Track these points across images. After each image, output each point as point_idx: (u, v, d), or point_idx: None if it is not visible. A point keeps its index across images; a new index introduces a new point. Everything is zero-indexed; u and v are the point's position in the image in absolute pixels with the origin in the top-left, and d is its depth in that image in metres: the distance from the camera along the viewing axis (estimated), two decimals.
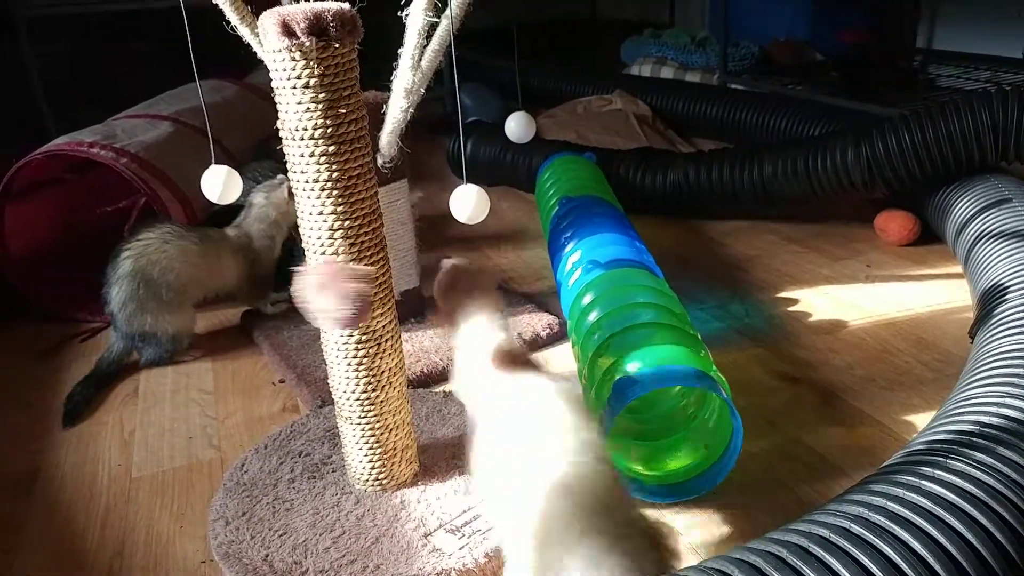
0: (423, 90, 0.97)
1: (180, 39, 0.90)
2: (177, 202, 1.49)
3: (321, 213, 0.77)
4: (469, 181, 0.87)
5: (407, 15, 0.85)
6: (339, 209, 0.77)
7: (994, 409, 0.73)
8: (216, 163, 0.97)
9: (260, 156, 1.88)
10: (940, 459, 0.67)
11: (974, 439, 0.69)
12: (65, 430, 1.15)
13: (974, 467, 0.65)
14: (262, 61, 0.76)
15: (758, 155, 1.66)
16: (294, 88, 0.73)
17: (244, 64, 0.68)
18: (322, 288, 0.70)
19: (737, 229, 1.73)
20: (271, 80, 0.74)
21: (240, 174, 1.62)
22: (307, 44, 0.70)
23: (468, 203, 0.86)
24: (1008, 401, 0.74)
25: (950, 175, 1.45)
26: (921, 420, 1.01)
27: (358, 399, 0.85)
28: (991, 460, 0.66)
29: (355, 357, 0.83)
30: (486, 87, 2.66)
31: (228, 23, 0.84)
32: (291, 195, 0.79)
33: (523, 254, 1.69)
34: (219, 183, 0.96)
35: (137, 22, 2.99)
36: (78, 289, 1.56)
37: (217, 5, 0.77)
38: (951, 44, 2.69)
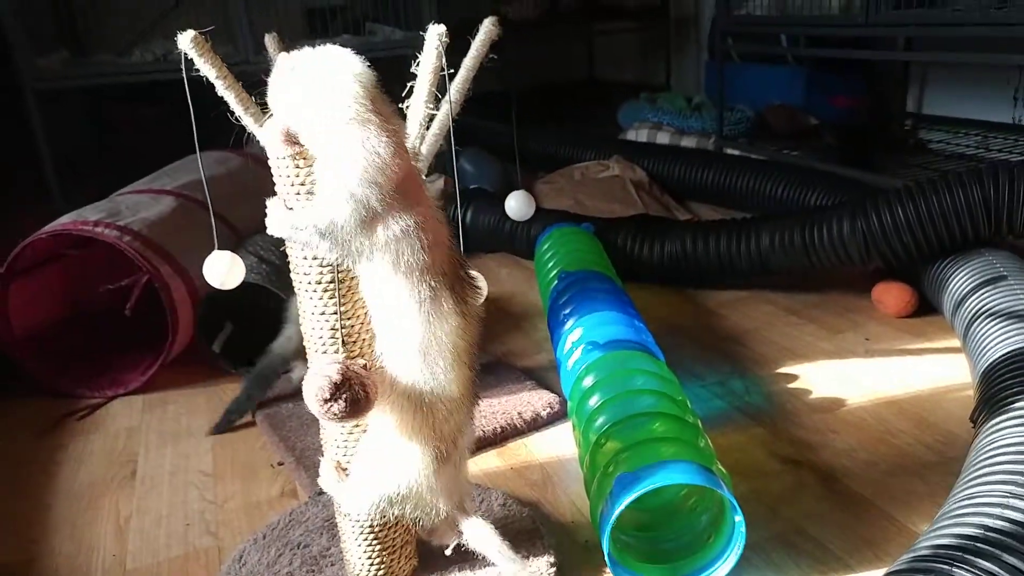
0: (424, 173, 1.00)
1: (184, 109, 0.91)
2: (179, 277, 1.50)
3: (323, 313, 0.78)
4: (466, 249, 0.87)
5: (407, 107, 0.88)
6: (342, 309, 0.77)
7: (997, 511, 0.73)
8: (219, 243, 0.97)
9: (264, 228, 1.90)
10: (946, 567, 0.66)
11: (979, 545, 0.69)
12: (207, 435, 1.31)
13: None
14: None
15: (755, 227, 1.68)
16: (297, 194, 0.74)
17: (246, 135, 0.71)
18: (320, 385, 0.71)
19: (735, 299, 1.74)
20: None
21: (243, 247, 1.65)
22: (309, 152, 0.72)
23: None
24: (1012, 502, 0.74)
25: (945, 249, 1.47)
26: (924, 507, 1.00)
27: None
28: (995, 568, 0.65)
29: (354, 450, 0.83)
30: (486, 152, 2.70)
31: (230, 110, 0.87)
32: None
33: (522, 325, 1.70)
34: (222, 269, 0.96)
35: (143, 92, 3.06)
36: (78, 365, 1.57)
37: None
38: (941, 109, 2.74)
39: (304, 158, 0.73)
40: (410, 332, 0.73)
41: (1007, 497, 0.75)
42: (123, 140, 3.45)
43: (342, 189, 0.67)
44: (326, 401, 0.70)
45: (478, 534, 0.85)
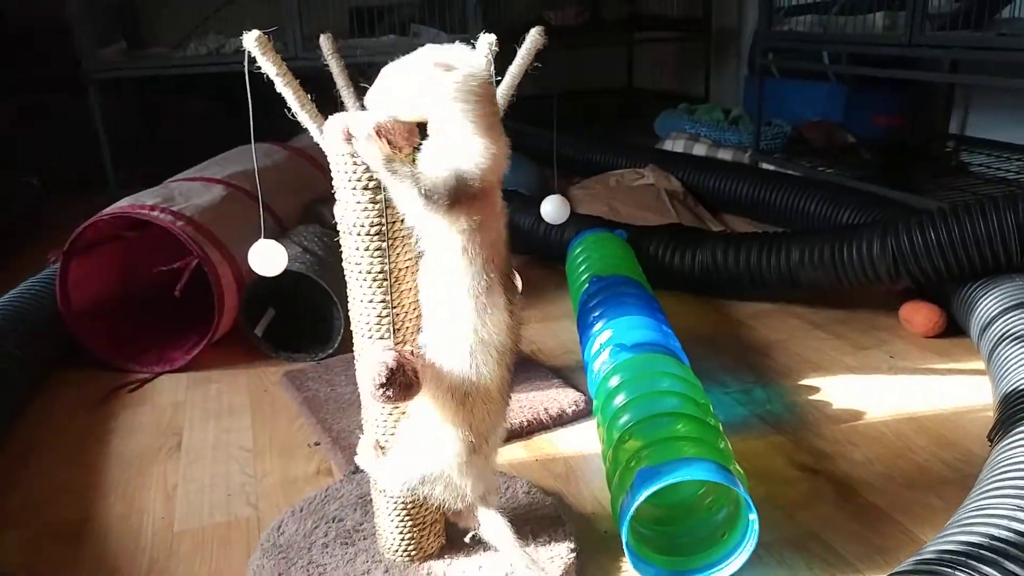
0: None
1: (230, 100, 0.97)
2: (226, 263, 1.57)
3: (371, 301, 0.83)
4: None
5: None
6: (388, 298, 0.83)
7: (1004, 522, 0.76)
8: (264, 233, 1.03)
9: (307, 219, 1.97)
10: (948, 570, 0.70)
11: (983, 552, 0.72)
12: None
13: None
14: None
15: (786, 241, 1.71)
16: (354, 189, 0.80)
17: (291, 127, 0.75)
18: (377, 371, 0.76)
19: (763, 312, 1.77)
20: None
21: (288, 236, 1.72)
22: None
23: None
24: (1019, 515, 0.77)
25: (976, 273, 1.48)
26: (939, 521, 1.03)
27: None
28: (997, 574, 0.69)
29: (393, 433, 0.88)
30: (523, 155, 2.75)
31: (287, 106, 0.93)
32: None
33: (552, 326, 1.74)
34: (267, 257, 1.02)
35: (190, 84, 3.17)
36: (130, 341, 1.65)
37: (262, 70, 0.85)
38: (984, 132, 2.73)
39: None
40: (463, 322, 0.78)
41: (1015, 510, 0.78)
42: (171, 130, 3.58)
43: (458, 166, 0.74)
44: (381, 386, 0.76)
45: (494, 527, 0.89)
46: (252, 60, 0.88)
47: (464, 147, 0.75)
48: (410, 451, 0.85)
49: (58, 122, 3.13)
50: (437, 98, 0.75)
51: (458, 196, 0.74)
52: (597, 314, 1.40)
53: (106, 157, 2.69)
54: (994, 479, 0.88)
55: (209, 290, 1.52)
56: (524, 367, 1.49)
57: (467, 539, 0.93)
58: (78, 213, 1.71)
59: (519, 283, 0.88)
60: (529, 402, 1.35)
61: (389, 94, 0.77)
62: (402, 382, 0.75)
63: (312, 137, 0.85)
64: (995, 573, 0.69)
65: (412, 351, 0.80)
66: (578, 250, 1.78)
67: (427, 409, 0.82)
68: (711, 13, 3.91)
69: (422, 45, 0.80)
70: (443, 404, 0.81)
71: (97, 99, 2.63)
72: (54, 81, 3.05)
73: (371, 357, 0.77)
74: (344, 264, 0.85)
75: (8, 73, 3.14)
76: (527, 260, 2.10)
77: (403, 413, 0.87)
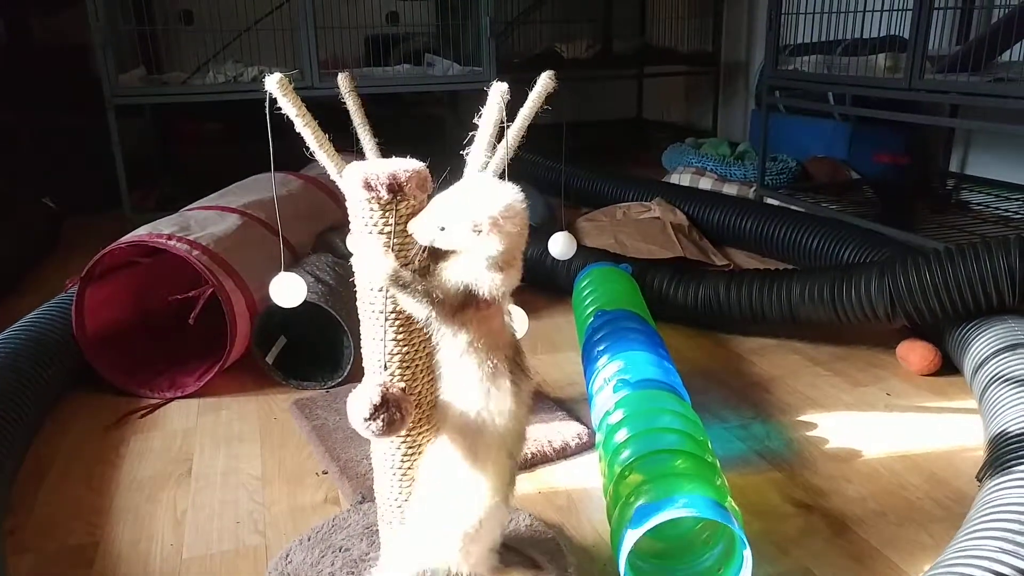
0: None
1: (243, 127, 1.02)
2: (240, 292, 1.62)
3: (381, 339, 0.87)
4: None
5: (467, 153, 0.98)
6: (399, 337, 0.87)
7: (987, 564, 0.79)
8: (281, 262, 1.06)
9: (320, 248, 2.02)
10: None
11: None
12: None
13: None
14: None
15: (787, 278, 1.74)
16: (370, 232, 0.84)
17: (302, 157, 0.80)
18: (362, 404, 0.80)
19: (764, 347, 1.80)
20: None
21: (300, 266, 1.76)
22: (385, 198, 0.82)
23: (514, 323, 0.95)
24: (1001, 557, 0.80)
25: (970, 313, 1.52)
26: (928, 559, 1.06)
27: (399, 507, 0.93)
28: None
29: (399, 468, 0.92)
30: (531, 185, 2.80)
31: (306, 147, 0.98)
32: None
33: (557, 357, 1.78)
34: (287, 289, 1.06)
35: (208, 110, 3.24)
36: (143, 366, 1.69)
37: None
38: (984, 171, 2.78)
39: (379, 202, 0.82)
40: (471, 404, 0.84)
41: (998, 552, 0.81)
42: (187, 154, 3.65)
43: (471, 284, 0.81)
44: (365, 419, 0.80)
45: None
46: (273, 101, 0.93)
47: (484, 277, 0.81)
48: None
49: (75, 144, 3.20)
50: (478, 249, 0.80)
51: (465, 307, 0.81)
52: (601, 348, 1.43)
53: (122, 179, 2.75)
54: (980, 520, 0.90)
55: (222, 317, 1.57)
56: None
57: None
58: (95, 235, 1.76)
59: (527, 367, 0.92)
60: (533, 434, 1.37)
61: (432, 227, 0.82)
62: (385, 418, 0.80)
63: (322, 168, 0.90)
64: None
65: (405, 388, 0.84)
66: (584, 283, 1.81)
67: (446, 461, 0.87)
68: (720, 48, 3.98)
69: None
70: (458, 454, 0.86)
71: (115, 123, 2.69)
72: (74, 104, 3.13)
73: (359, 392, 0.81)
74: (358, 303, 0.89)
75: (30, 94, 3.22)
76: (533, 291, 2.14)
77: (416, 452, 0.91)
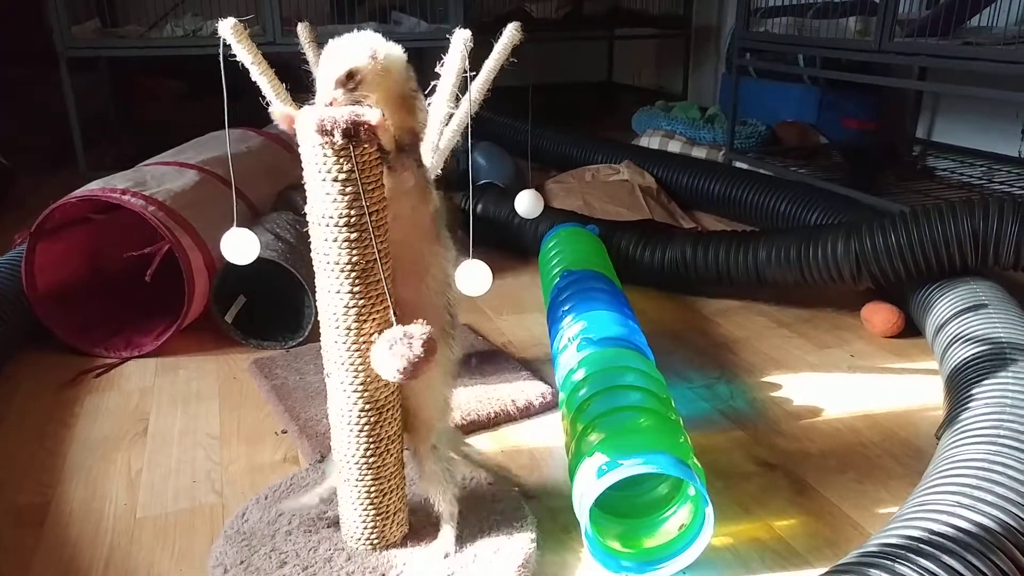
0: (440, 167, 1.07)
1: (204, 83, 0.99)
2: (197, 249, 1.57)
3: (338, 292, 0.84)
4: (475, 242, 0.94)
5: (430, 104, 0.95)
6: (355, 289, 0.84)
7: (944, 518, 0.79)
8: (237, 219, 1.03)
9: (281, 206, 1.97)
10: (888, 562, 0.73)
11: (922, 546, 0.75)
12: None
13: (917, 573, 0.71)
14: None
15: (753, 240, 1.74)
16: (323, 180, 0.81)
17: (266, 115, 0.77)
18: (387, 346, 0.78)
19: (730, 308, 1.80)
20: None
21: (261, 223, 1.72)
22: (339, 143, 0.78)
23: (476, 278, 0.92)
24: (958, 511, 0.80)
25: (933, 276, 1.53)
26: (887, 515, 1.06)
27: (357, 463, 0.91)
28: (934, 567, 0.72)
29: (357, 424, 0.89)
30: (499, 147, 2.76)
31: (262, 96, 0.94)
32: None
33: (523, 318, 1.76)
34: (238, 245, 1.02)
35: (166, 65, 3.13)
36: (98, 325, 1.64)
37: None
38: (950, 137, 2.80)
39: (332, 148, 0.79)
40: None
41: (955, 507, 0.81)
42: (144, 111, 3.54)
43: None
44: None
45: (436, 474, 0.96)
46: (227, 47, 0.89)
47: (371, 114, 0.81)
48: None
49: (28, 99, 3.08)
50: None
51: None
52: (567, 308, 1.42)
53: (76, 136, 2.66)
54: (937, 475, 0.91)
55: (179, 276, 1.52)
56: (494, 359, 1.51)
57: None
58: (47, 193, 1.70)
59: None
60: (497, 393, 1.36)
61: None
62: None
63: None
64: (932, 566, 0.72)
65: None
66: (551, 244, 1.79)
67: None
68: (692, 11, 3.94)
69: (402, 33, 0.82)
70: None
71: (68, 77, 2.59)
72: (25, 57, 3.01)
73: (397, 335, 0.79)
74: (312, 255, 0.86)
75: None
76: (500, 252, 2.11)
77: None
